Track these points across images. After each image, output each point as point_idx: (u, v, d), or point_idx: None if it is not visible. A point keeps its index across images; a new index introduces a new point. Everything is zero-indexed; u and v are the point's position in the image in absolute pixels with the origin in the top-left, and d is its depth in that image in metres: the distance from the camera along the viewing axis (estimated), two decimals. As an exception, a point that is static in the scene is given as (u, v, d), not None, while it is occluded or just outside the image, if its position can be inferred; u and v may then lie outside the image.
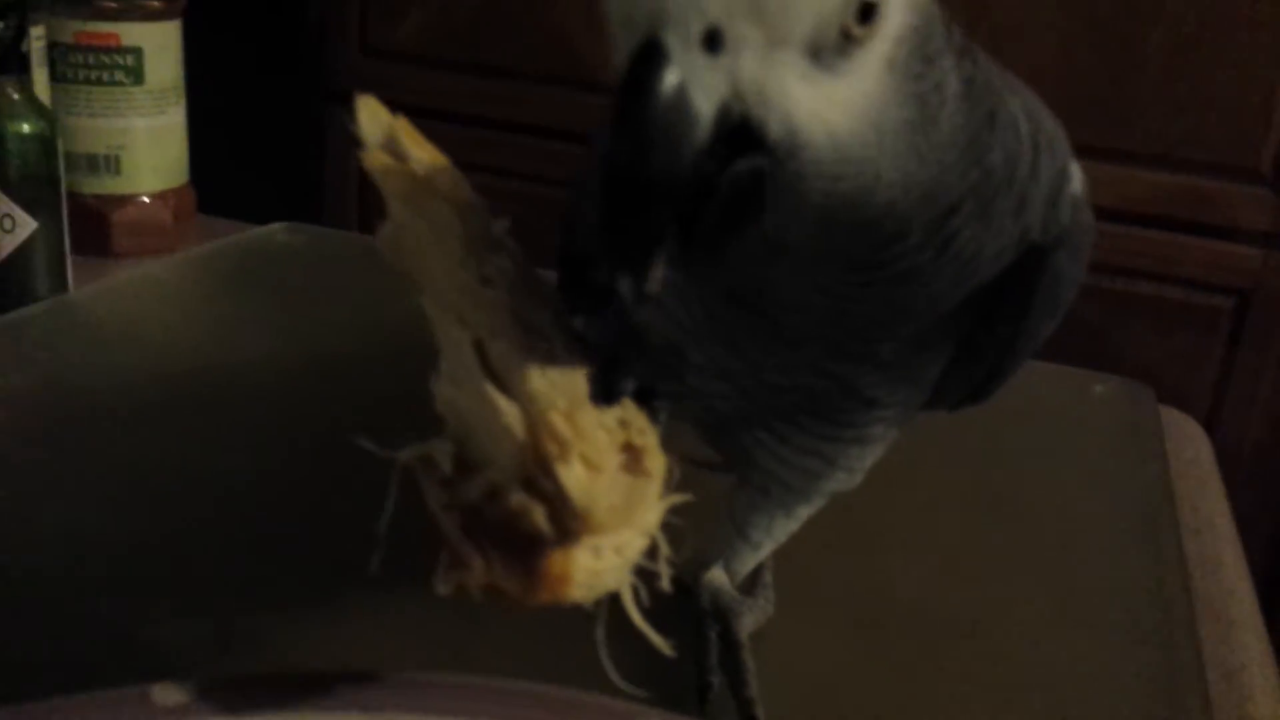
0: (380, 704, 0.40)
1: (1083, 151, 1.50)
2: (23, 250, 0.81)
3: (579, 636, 0.39)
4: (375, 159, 0.44)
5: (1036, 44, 1.40)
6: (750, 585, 0.55)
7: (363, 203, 1.75)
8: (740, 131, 0.32)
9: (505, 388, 0.38)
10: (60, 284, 0.85)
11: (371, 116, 0.46)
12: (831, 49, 0.32)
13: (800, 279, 0.40)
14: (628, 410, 0.40)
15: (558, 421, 0.37)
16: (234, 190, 1.15)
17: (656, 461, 0.39)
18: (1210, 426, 1.43)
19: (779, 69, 0.31)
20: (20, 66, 0.79)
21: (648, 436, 0.40)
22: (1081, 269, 0.44)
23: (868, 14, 0.32)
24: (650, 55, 0.30)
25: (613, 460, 0.39)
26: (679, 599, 0.53)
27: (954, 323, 0.43)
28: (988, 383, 0.47)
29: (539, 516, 0.36)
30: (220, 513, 0.60)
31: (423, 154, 0.45)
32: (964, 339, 0.45)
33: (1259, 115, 1.35)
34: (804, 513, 0.53)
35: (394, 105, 1.51)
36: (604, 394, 0.40)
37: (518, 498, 0.37)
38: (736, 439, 0.51)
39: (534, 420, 0.37)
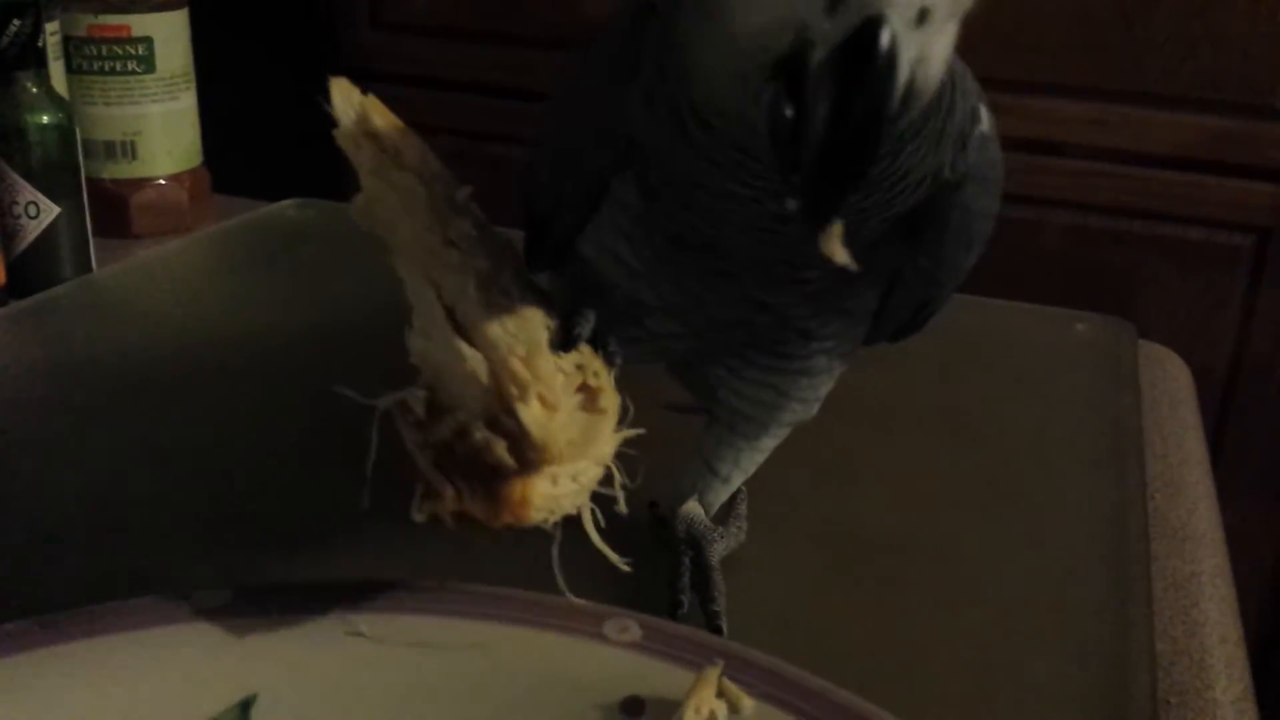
0: (393, 607, 0.45)
1: (1097, 94, 1.51)
2: (47, 235, 0.86)
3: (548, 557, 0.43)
4: (346, 136, 0.48)
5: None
6: (725, 516, 0.59)
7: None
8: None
9: (470, 339, 0.43)
10: (84, 265, 0.89)
11: (344, 96, 0.50)
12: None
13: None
14: (584, 355, 0.45)
15: (517, 366, 0.42)
16: (256, 172, 1.19)
17: (611, 400, 0.45)
18: (1236, 363, 1.45)
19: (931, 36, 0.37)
20: (38, 61, 0.83)
21: (602, 378, 0.45)
22: (993, 202, 0.48)
23: None
24: (874, 27, 0.34)
25: (570, 400, 0.44)
26: (657, 530, 0.57)
27: (877, 257, 0.47)
28: (919, 313, 0.51)
29: (501, 450, 0.41)
30: (230, 468, 0.64)
31: (391, 129, 0.49)
32: (893, 274, 0.49)
33: (1274, 52, 1.35)
34: (767, 444, 0.57)
35: (407, 78, 1.54)
36: (562, 341, 0.45)
37: (482, 434, 0.41)
38: (698, 375, 0.56)
39: (496, 366, 0.42)
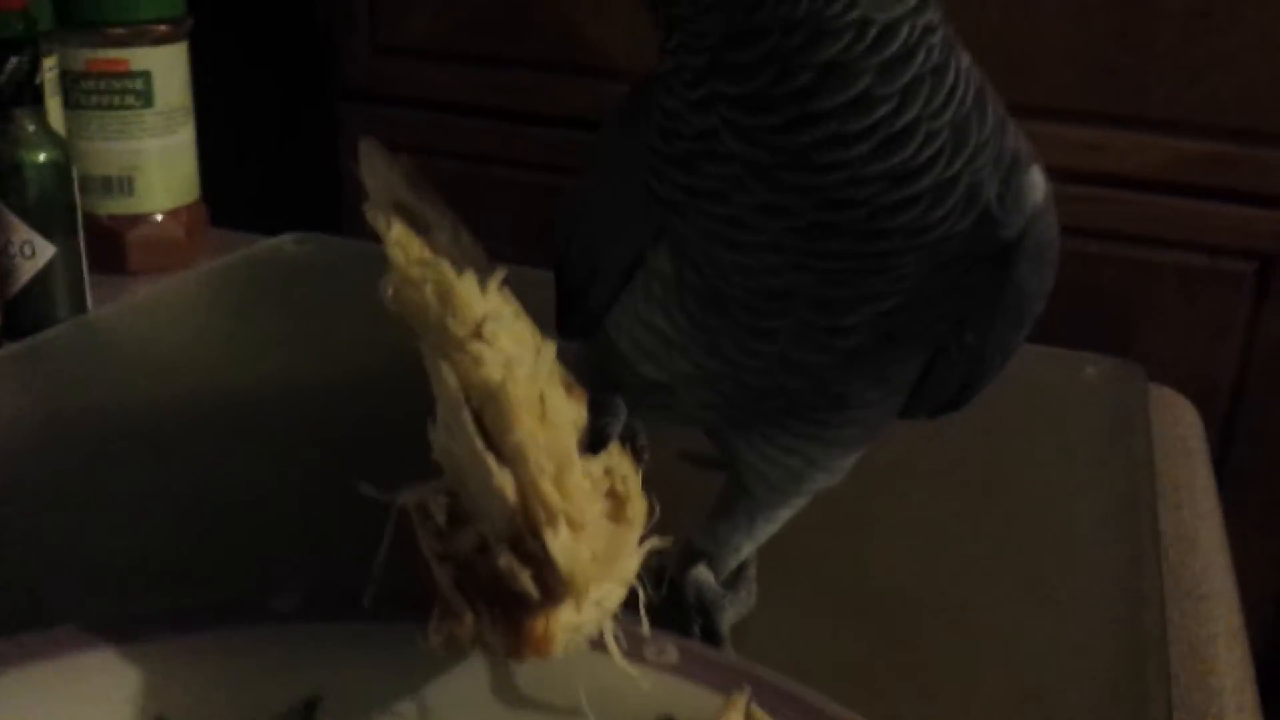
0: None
1: (1099, 119, 1.51)
2: (43, 275, 0.85)
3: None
4: (377, 214, 0.45)
5: (1048, 12, 1.40)
6: (734, 580, 0.58)
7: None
8: None
9: (497, 446, 0.40)
10: (80, 305, 0.88)
11: (373, 163, 0.47)
12: None
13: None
14: (613, 457, 0.43)
15: (547, 489, 0.39)
16: (252, 201, 1.18)
17: (638, 508, 0.43)
18: (1238, 390, 1.45)
19: None
20: (35, 99, 0.82)
21: (630, 483, 0.43)
22: (1046, 283, 0.47)
23: None
24: None
25: (597, 508, 0.42)
26: (666, 594, 0.56)
27: (920, 323, 0.46)
28: (963, 391, 0.50)
29: (526, 580, 0.39)
30: (231, 526, 0.63)
31: (421, 201, 0.47)
32: (937, 349, 0.48)
33: (1277, 78, 1.34)
34: (784, 515, 0.56)
35: (408, 101, 1.53)
36: (592, 443, 0.43)
37: (506, 560, 0.39)
38: (725, 440, 0.55)
39: (523, 484, 0.39)
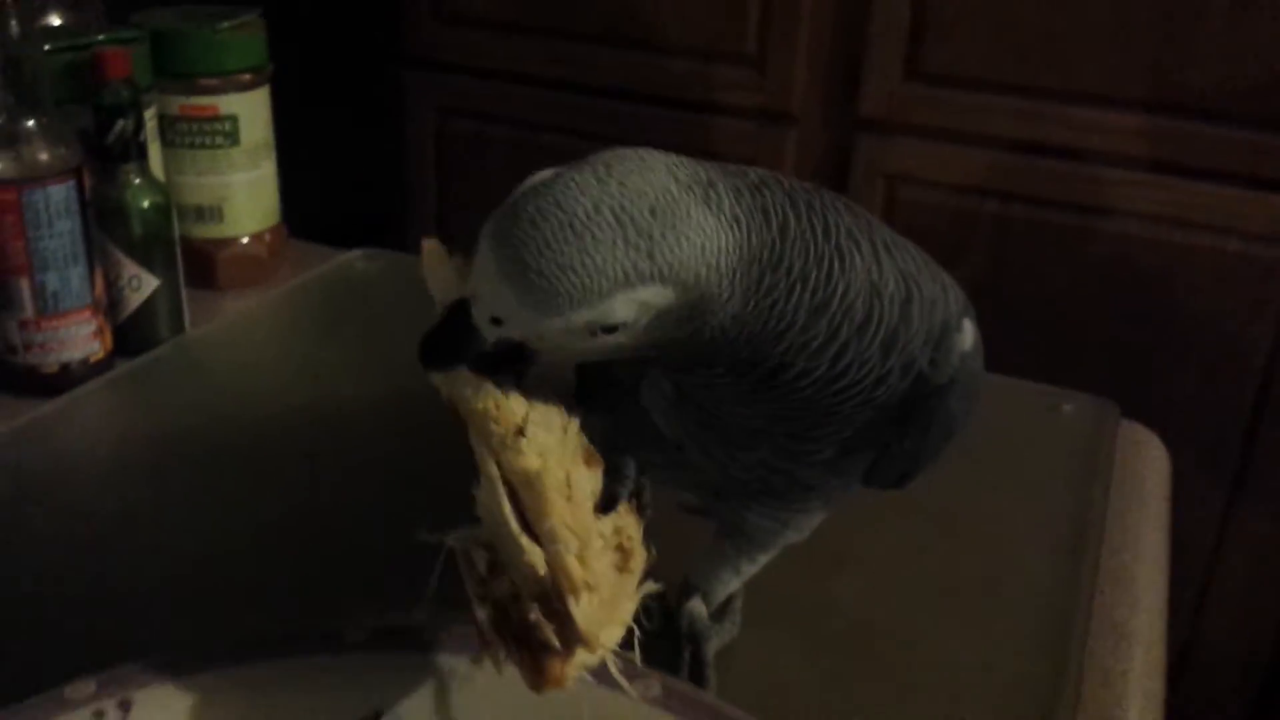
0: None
1: (1141, 105, 1.59)
2: (148, 303, 0.98)
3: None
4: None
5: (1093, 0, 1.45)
6: (723, 611, 0.70)
7: (441, 179, 1.90)
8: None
9: (529, 523, 0.48)
10: (179, 326, 1.01)
11: (433, 262, 0.55)
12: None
13: (722, 392, 0.54)
14: (621, 516, 0.51)
15: (573, 566, 0.47)
16: (324, 206, 1.28)
17: (639, 559, 0.51)
18: (1270, 370, 1.51)
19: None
20: (139, 154, 0.94)
21: (635, 539, 0.51)
22: (971, 405, 0.57)
23: (611, 330, 0.47)
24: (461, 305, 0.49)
25: (606, 562, 0.50)
26: (664, 623, 0.68)
27: (875, 436, 0.57)
28: (901, 479, 0.61)
29: (549, 633, 0.48)
30: (307, 548, 0.74)
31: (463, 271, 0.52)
32: (882, 448, 0.59)
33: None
34: (763, 559, 0.68)
35: (467, 69, 1.64)
36: (605, 505, 0.51)
37: (535, 615, 0.48)
38: (715, 506, 0.66)
39: (552, 560, 0.48)
